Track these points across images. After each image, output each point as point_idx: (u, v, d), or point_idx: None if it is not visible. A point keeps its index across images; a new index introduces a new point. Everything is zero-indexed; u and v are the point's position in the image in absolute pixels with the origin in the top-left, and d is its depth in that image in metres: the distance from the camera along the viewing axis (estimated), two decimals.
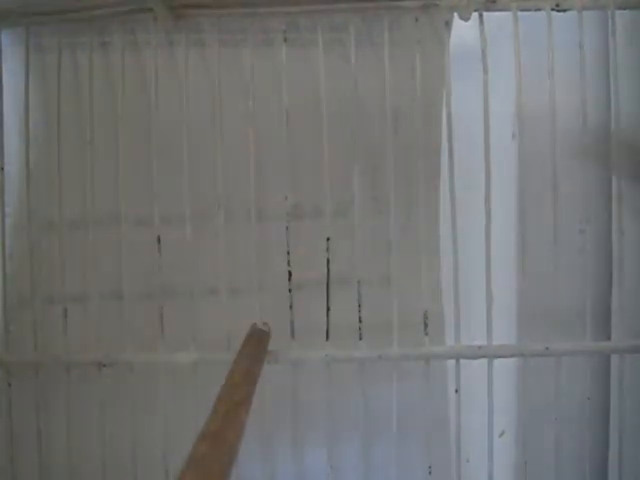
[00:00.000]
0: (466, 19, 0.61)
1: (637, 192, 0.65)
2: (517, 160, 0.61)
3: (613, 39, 0.61)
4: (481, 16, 0.61)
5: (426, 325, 0.62)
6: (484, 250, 0.60)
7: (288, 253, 0.62)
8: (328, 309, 0.62)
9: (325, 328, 0.62)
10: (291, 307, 0.61)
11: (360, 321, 0.62)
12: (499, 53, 0.62)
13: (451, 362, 0.62)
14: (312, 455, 0.67)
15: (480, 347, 0.61)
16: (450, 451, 0.65)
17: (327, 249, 0.61)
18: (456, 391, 0.62)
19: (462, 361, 0.61)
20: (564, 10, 0.61)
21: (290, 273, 0.62)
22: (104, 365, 0.62)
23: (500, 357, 0.61)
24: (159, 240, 0.61)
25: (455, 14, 0.61)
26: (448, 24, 0.61)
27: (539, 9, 0.61)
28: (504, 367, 0.63)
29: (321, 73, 0.61)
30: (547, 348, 0.61)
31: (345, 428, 0.65)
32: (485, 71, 0.60)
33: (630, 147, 0.64)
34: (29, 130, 0.62)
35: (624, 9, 0.61)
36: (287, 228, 0.62)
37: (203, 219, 0.62)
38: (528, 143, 0.61)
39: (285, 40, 0.62)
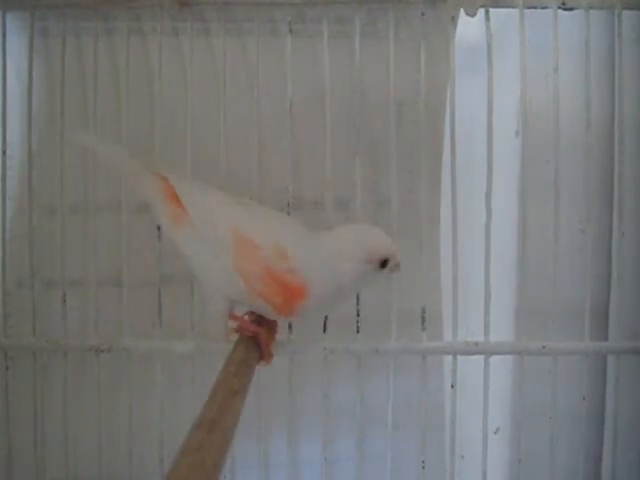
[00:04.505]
0: (472, 15, 0.61)
1: (639, 193, 0.65)
2: (519, 157, 0.61)
3: (619, 39, 0.61)
4: (487, 12, 0.61)
5: (424, 320, 0.62)
6: (484, 247, 0.60)
7: None
8: None
9: (323, 320, 0.62)
10: None
11: (358, 315, 0.62)
12: (504, 50, 0.62)
13: (448, 358, 0.62)
14: (307, 446, 0.67)
15: (477, 344, 0.61)
16: (444, 446, 0.65)
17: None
18: (452, 387, 0.62)
19: (459, 357, 0.62)
20: (570, 9, 0.61)
21: None
22: (102, 351, 0.62)
23: (497, 354, 0.61)
24: (159, 228, 0.61)
25: (461, 9, 0.61)
26: (454, 19, 0.61)
27: (545, 7, 0.61)
28: (501, 364, 0.63)
29: (326, 65, 0.61)
30: (544, 347, 0.61)
31: (340, 421, 0.65)
32: (490, 67, 0.60)
33: (633, 147, 0.64)
34: (32, 114, 0.62)
35: (631, 9, 0.61)
36: None
37: None
38: (531, 140, 0.61)
39: (291, 31, 0.62)
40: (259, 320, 0.54)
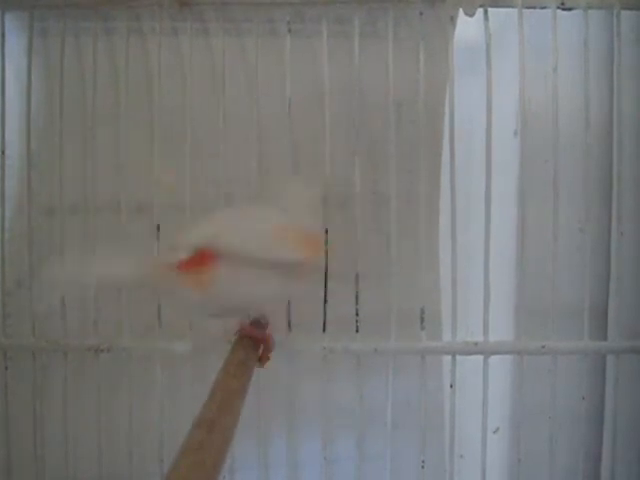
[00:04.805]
0: (471, 15, 0.61)
1: (637, 193, 0.65)
2: (518, 157, 0.61)
3: (618, 39, 0.61)
4: (486, 12, 0.61)
5: (423, 320, 0.62)
6: (483, 247, 0.60)
7: None
8: (325, 301, 0.62)
9: (322, 320, 0.62)
10: None
11: (357, 314, 0.62)
12: (503, 50, 0.62)
13: (447, 357, 0.62)
14: (307, 446, 0.67)
15: (476, 344, 0.61)
16: (444, 446, 0.65)
17: (326, 241, 0.61)
18: (451, 386, 0.62)
19: (458, 357, 0.62)
20: (569, 9, 0.61)
21: None
22: (102, 351, 0.62)
23: (496, 354, 0.61)
24: (159, 228, 0.61)
25: (460, 9, 0.61)
26: (453, 19, 0.61)
27: (544, 7, 0.61)
28: (500, 364, 0.63)
29: (325, 65, 0.61)
30: (543, 346, 0.61)
31: (340, 420, 0.65)
32: (489, 67, 0.60)
33: (632, 147, 0.64)
34: (31, 114, 0.62)
35: (630, 9, 0.61)
36: None
37: (203, 207, 0.62)
38: (530, 140, 0.61)
39: (289, 30, 0.62)
40: (257, 323, 0.54)
